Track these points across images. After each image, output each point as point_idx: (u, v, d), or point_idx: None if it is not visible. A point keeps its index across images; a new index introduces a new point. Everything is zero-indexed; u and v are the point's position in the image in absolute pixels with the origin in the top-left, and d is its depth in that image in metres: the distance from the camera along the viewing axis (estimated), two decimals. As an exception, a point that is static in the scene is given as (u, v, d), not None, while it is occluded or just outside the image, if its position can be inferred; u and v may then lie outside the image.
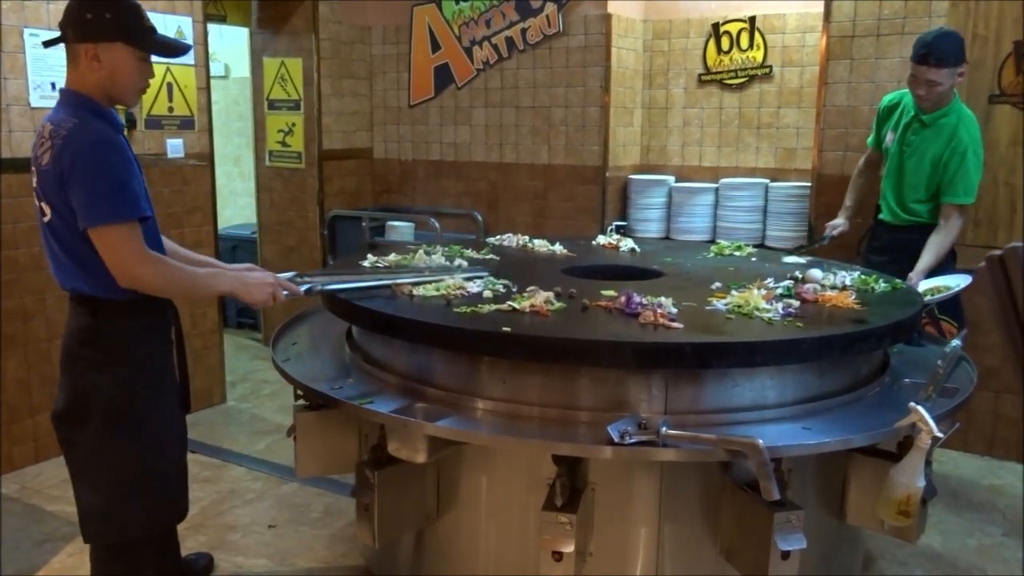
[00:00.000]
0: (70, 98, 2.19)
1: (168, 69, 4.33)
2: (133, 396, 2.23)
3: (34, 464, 3.94)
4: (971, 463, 4.08)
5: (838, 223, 3.90)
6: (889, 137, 3.69)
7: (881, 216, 3.77)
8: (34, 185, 2.18)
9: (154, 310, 2.29)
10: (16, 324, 3.83)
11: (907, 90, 3.58)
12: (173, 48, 2.36)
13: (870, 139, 3.89)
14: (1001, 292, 1.37)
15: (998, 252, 1.36)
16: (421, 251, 3.30)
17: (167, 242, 2.44)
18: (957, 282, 3.31)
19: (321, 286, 2.61)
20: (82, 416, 2.21)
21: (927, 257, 3.43)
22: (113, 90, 2.19)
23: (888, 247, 3.67)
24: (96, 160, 2.07)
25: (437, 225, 5.11)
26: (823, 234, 3.95)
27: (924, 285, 3.32)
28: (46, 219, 2.17)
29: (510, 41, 5.12)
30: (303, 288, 2.51)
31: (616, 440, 2.09)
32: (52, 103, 3.87)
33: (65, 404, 2.24)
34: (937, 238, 3.46)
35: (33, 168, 2.17)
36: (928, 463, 2.22)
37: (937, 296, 3.24)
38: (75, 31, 2.14)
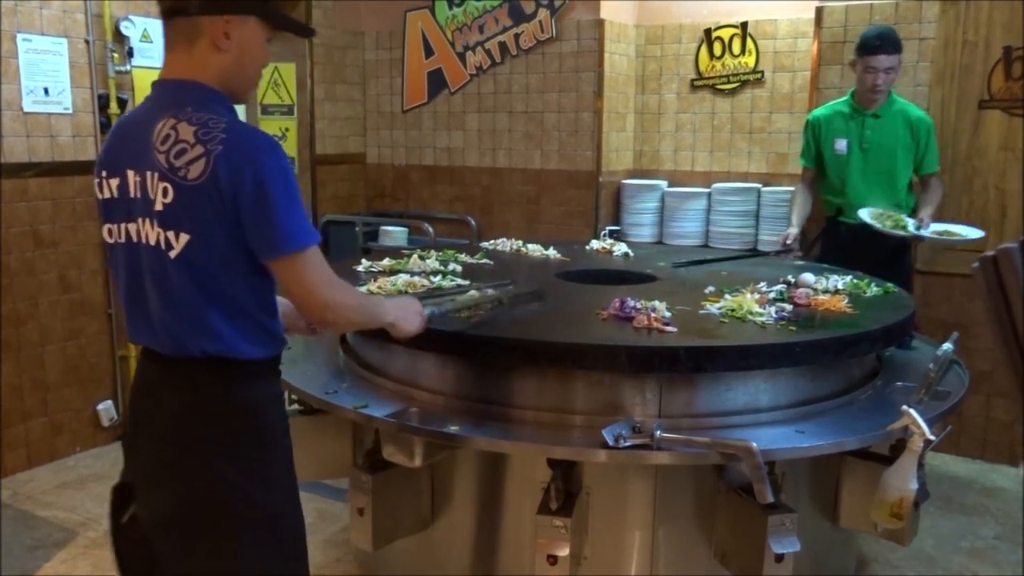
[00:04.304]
0: (197, 93, 1.65)
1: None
2: (277, 490, 1.75)
3: (26, 470, 3.92)
4: (963, 466, 4.10)
5: (793, 231, 3.80)
6: (841, 144, 3.77)
7: (844, 219, 3.80)
8: (156, 208, 1.60)
9: (277, 371, 1.81)
10: (9, 330, 3.81)
11: (829, 105, 3.85)
12: (302, 28, 1.89)
13: (806, 159, 3.95)
14: (994, 293, 1.38)
15: (991, 253, 1.38)
16: (415, 256, 3.31)
17: None
18: (967, 232, 3.51)
19: (436, 310, 2.25)
20: (208, 522, 1.69)
21: (930, 206, 3.64)
22: (234, 79, 1.71)
23: (851, 249, 3.64)
24: (285, 172, 1.61)
25: (431, 230, 5.10)
26: (784, 245, 3.78)
27: (935, 227, 3.55)
28: (173, 253, 1.59)
29: (503, 46, 5.13)
30: (426, 311, 2.16)
31: (610, 444, 2.10)
32: (45, 108, 3.96)
33: (177, 508, 1.70)
34: (932, 195, 3.71)
35: (158, 183, 1.59)
36: (921, 466, 2.23)
37: (948, 239, 3.43)
38: (203, 1, 1.65)
